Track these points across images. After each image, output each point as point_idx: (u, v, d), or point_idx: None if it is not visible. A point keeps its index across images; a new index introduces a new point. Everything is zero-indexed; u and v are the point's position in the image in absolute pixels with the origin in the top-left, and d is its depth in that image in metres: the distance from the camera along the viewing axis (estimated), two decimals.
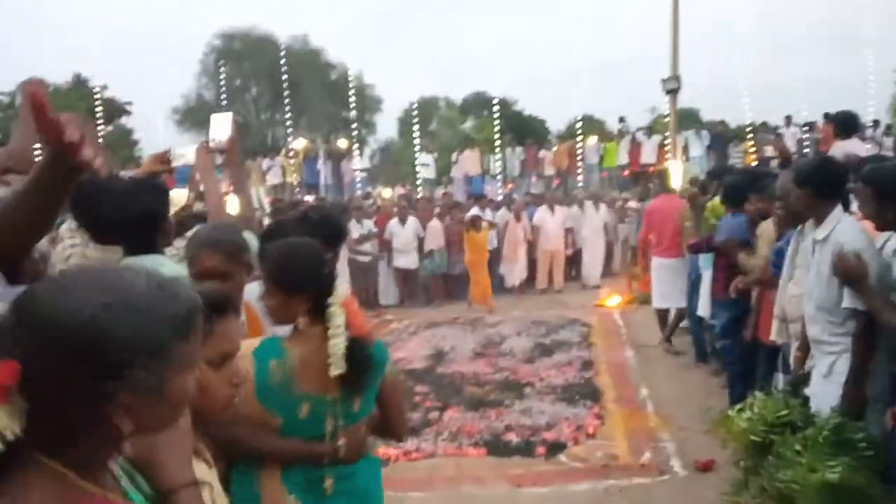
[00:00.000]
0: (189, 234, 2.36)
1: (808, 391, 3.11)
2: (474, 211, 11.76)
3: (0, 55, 41.46)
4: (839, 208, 3.04)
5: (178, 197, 3.64)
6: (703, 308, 5.85)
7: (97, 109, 21.02)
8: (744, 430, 3.02)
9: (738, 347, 4.85)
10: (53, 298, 0.86)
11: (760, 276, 4.35)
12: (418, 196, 14.70)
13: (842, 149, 5.13)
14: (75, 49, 44.74)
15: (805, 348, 3.25)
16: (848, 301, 2.80)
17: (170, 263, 2.15)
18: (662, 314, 7.70)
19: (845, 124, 5.58)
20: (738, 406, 3.22)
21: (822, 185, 3.05)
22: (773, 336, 3.70)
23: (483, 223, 10.92)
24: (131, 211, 2.14)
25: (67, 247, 2.45)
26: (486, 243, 10.96)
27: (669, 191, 8.52)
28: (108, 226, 2.18)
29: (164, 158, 2.73)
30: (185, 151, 2.73)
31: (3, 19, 44.91)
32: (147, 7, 51.40)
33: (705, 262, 5.57)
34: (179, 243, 2.38)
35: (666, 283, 7.43)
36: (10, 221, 1.22)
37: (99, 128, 20.76)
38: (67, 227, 2.52)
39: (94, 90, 23.32)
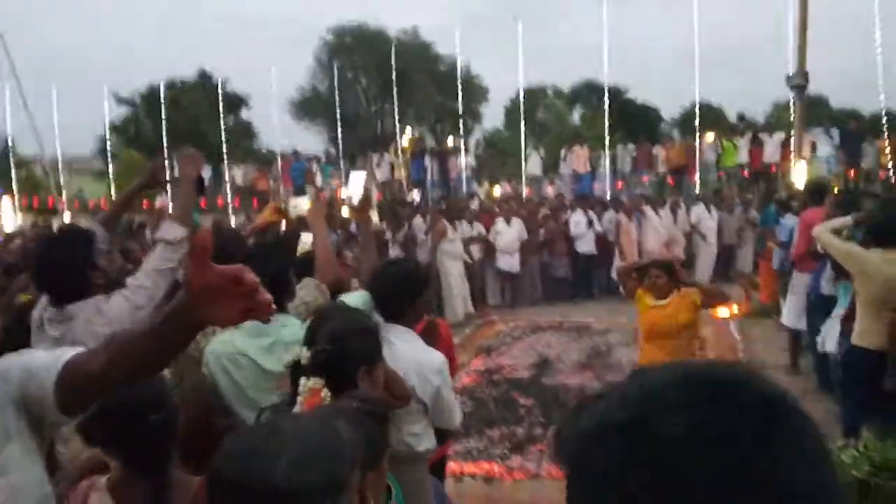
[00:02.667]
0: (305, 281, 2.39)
1: None
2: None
3: (129, 54, 44.49)
4: None
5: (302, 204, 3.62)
6: (832, 343, 5.31)
7: (219, 103, 22.18)
8: (846, 466, 2.87)
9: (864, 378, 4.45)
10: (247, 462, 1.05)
11: None
12: (524, 195, 14.53)
13: None
14: (196, 44, 47.34)
15: None
16: None
17: (294, 324, 2.18)
18: (794, 335, 6.99)
19: None
20: (841, 443, 3.06)
21: None
22: None
23: (677, 289, 4.40)
24: (264, 277, 2.17)
25: None
26: (684, 329, 4.39)
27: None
28: None
29: (280, 209, 2.80)
30: (300, 202, 2.79)
31: (132, 18, 48.20)
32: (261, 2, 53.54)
33: (843, 292, 5.08)
34: (300, 292, 2.42)
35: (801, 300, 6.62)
36: (122, 364, 1.13)
37: (220, 121, 21.93)
38: None
39: (217, 85, 24.53)
